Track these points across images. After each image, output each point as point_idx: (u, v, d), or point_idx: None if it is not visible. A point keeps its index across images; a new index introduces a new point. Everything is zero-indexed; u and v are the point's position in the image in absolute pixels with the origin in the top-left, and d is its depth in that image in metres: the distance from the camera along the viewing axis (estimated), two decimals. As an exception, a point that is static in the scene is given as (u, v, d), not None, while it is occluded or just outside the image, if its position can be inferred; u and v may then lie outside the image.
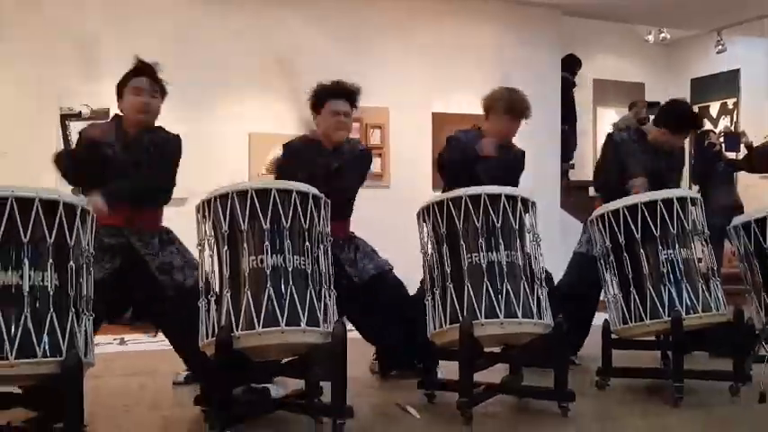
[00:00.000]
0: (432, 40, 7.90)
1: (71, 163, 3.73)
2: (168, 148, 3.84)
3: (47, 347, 2.78)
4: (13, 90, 6.52)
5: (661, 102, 9.68)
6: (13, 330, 2.73)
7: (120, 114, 3.82)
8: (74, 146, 3.89)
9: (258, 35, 7.19)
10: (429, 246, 3.69)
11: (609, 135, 4.90)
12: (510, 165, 4.58)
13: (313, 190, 3.36)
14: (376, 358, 4.58)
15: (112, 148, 3.70)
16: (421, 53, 7.84)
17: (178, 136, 3.90)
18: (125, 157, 3.70)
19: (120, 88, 3.78)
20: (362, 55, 7.52)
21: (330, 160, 4.18)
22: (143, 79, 3.75)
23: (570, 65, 9.26)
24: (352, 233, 4.30)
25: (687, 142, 8.36)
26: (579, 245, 4.81)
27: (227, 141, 7.14)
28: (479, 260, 3.51)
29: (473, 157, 4.36)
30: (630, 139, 4.72)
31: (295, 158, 4.18)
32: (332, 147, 4.24)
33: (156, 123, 3.88)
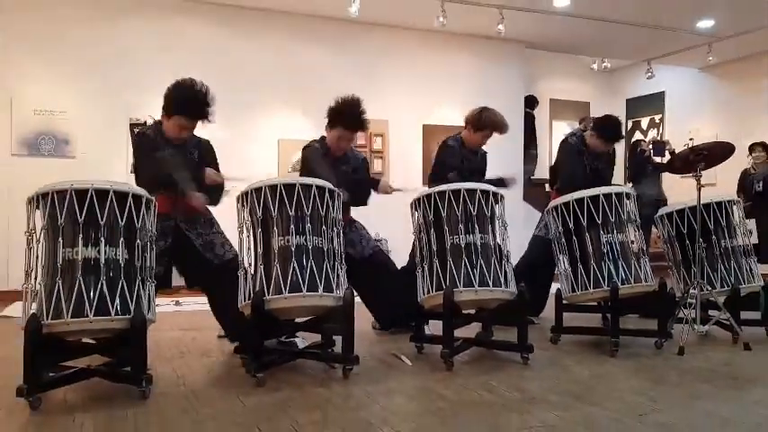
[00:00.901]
0: (423, 66, 7.86)
1: (146, 180, 3.48)
2: (207, 147, 3.77)
3: (118, 307, 2.79)
4: (92, 104, 6.49)
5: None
6: (92, 294, 2.74)
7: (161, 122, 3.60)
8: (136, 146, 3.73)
9: (285, 59, 7.15)
10: (419, 229, 3.68)
11: (564, 140, 4.88)
12: (479, 163, 4.61)
13: (329, 185, 3.35)
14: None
15: (165, 148, 3.52)
16: (414, 77, 7.81)
17: (208, 140, 3.82)
18: (173, 158, 3.52)
19: (169, 109, 3.51)
20: (368, 77, 7.47)
21: (336, 165, 4.06)
22: (188, 120, 3.51)
23: (531, 103, 9.25)
24: (351, 218, 4.27)
25: (623, 148, 8.37)
26: (537, 229, 4.80)
27: (261, 145, 7.11)
28: (459, 241, 3.51)
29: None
30: (577, 144, 4.73)
31: (318, 156, 4.03)
32: (336, 156, 4.14)
33: (200, 129, 3.76)
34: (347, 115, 3.97)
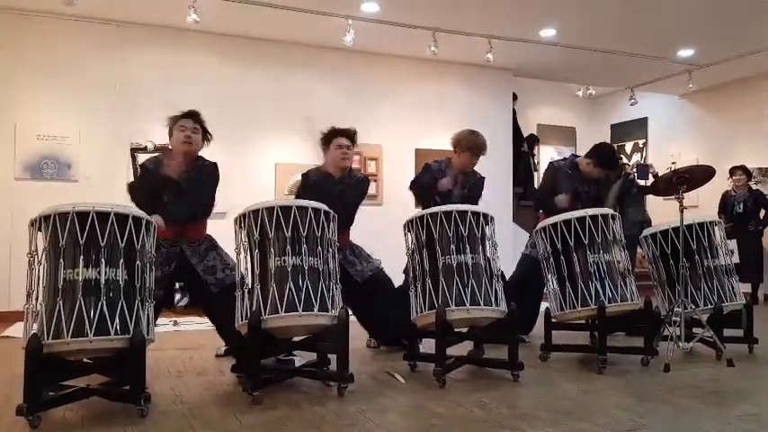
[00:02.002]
0: (415, 93, 7.92)
1: (139, 195, 3.67)
2: (207, 173, 3.78)
3: (118, 327, 2.77)
4: (94, 129, 6.48)
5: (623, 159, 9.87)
6: (92, 314, 2.73)
7: (170, 148, 3.76)
8: (137, 175, 3.80)
9: (282, 86, 7.18)
10: (412, 250, 3.68)
11: (550, 163, 4.88)
12: (474, 185, 4.57)
13: (324, 207, 3.35)
14: (370, 336, 4.57)
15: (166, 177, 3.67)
16: (407, 104, 7.85)
17: (215, 163, 3.84)
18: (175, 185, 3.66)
19: (171, 128, 3.76)
20: (363, 103, 7.53)
21: (337, 186, 4.17)
22: (188, 120, 3.73)
23: (531, 142, 9.31)
24: (351, 242, 4.28)
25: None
26: (526, 248, 4.80)
27: (258, 169, 7.12)
28: (451, 261, 3.50)
29: (433, 185, 4.39)
30: (566, 168, 4.73)
31: (311, 185, 4.17)
32: (338, 176, 4.23)
33: (203, 153, 3.84)
34: (339, 129, 4.20)
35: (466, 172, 4.53)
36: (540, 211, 4.85)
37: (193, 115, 3.77)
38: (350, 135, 4.25)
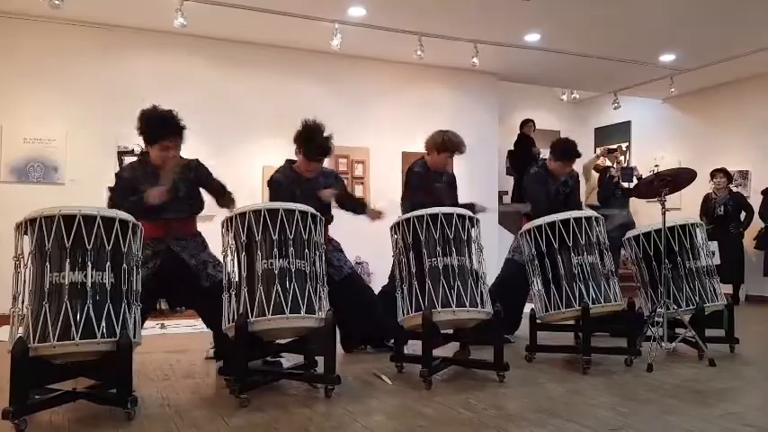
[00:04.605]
0: (402, 97, 7.93)
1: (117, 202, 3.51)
2: (190, 171, 3.71)
3: (104, 330, 2.75)
4: (81, 132, 6.43)
5: (622, 147, 9.90)
6: (78, 317, 2.70)
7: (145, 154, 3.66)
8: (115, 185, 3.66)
9: (270, 90, 7.17)
10: (399, 252, 3.68)
11: (527, 172, 4.97)
12: (450, 183, 4.64)
13: (311, 210, 3.34)
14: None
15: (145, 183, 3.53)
16: (394, 107, 7.86)
17: (196, 159, 3.78)
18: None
19: (150, 141, 3.55)
20: (350, 107, 7.53)
21: (308, 186, 4.04)
22: (174, 138, 3.55)
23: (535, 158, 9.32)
24: (329, 237, 4.19)
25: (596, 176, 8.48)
26: (510, 253, 4.82)
27: (246, 171, 7.08)
28: (437, 263, 3.51)
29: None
30: (538, 171, 4.82)
31: (283, 184, 4.05)
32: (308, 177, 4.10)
33: (192, 157, 3.78)
34: (309, 145, 3.97)
35: (440, 171, 4.55)
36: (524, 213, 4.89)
37: (173, 131, 3.56)
38: (323, 152, 4.03)
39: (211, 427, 2.68)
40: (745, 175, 8.48)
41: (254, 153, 7.17)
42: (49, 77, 6.39)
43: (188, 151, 3.75)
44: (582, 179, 8.64)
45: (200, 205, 3.75)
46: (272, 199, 3.99)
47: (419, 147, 6.03)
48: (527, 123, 9.23)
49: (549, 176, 4.75)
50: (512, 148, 9.14)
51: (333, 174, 4.38)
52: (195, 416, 2.84)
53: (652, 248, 4.33)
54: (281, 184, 4.05)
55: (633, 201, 8.20)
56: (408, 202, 4.44)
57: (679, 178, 4.25)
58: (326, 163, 4.26)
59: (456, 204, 4.31)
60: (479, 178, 6.09)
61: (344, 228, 4.40)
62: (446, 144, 4.47)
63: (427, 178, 4.50)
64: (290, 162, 4.18)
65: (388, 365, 3.79)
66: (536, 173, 4.83)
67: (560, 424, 2.69)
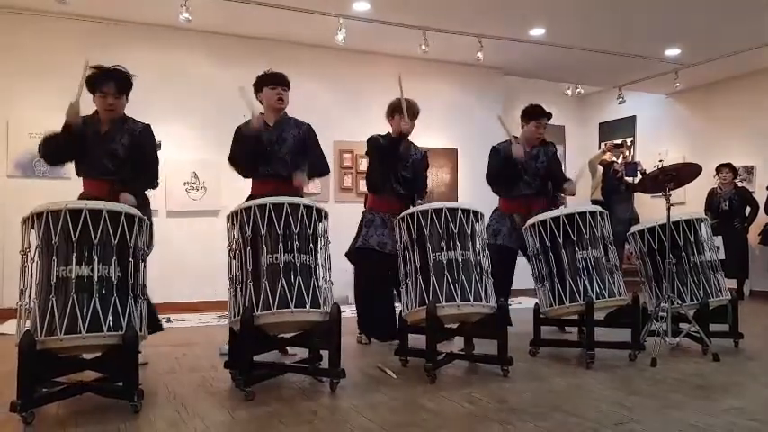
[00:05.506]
0: (407, 91, 7.84)
1: (51, 147, 3.59)
2: (138, 138, 3.69)
3: (111, 324, 2.76)
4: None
5: (627, 142, 9.83)
6: (85, 311, 2.72)
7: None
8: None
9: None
10: (404, 246, 3.68)
11: (493, 147, 4.86)
12: (418, 163, 4.58)
13: (316, 204, 3.34)
14: (360, 332, 4.58)
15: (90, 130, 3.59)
16: (397, 102, 7.85)
17: (148, 125, 3.77)
18: (92, 145, 3.57)
19: (92, 91, 3.64)
20: (353, 102, 7.53)
21: (272, 134, 3.99)
22: (110, 84, 3.62)
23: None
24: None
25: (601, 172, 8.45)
26: (489, 238, 4.64)
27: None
28: (441, 258, 3.51)
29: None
30: (503, 149, 4.75)
31: (244, 138, 4.01)
32: (273, 122, 4.04)
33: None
34: (272, 74, 4.05)
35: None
36: (499, 194, 4.85)
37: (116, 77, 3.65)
38: (282, 79, 4.05)
39: (217, 419, 2.69)
40: (750, 170, 8.45)
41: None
42: (55, 72, 6.38)
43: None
44: (588, 173, 8.66)
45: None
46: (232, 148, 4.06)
47: (423, 142, 6.08)
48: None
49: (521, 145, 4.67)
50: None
51: (305, 126, 4.20)
52: (200, 409, 2.86)
53: (656, 243, 4.33)
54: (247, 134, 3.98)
55: (638, 195, 8.19)
56: (369, 177, 4.50)
57: (684, 173, 4.24)
58: (328, 162, 4.22)
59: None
60: (483, 173, 6.01)
61: (343, 224, 4.39)
62: (392, 106, 4.51)
63: (384, 147, 4.45)
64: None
65: (392, 359, 3.80)
66: (500, 149, 4.76)
67: (564, 418, 2.69)
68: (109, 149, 3.61)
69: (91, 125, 3.64)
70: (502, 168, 4.66)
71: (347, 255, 4.40)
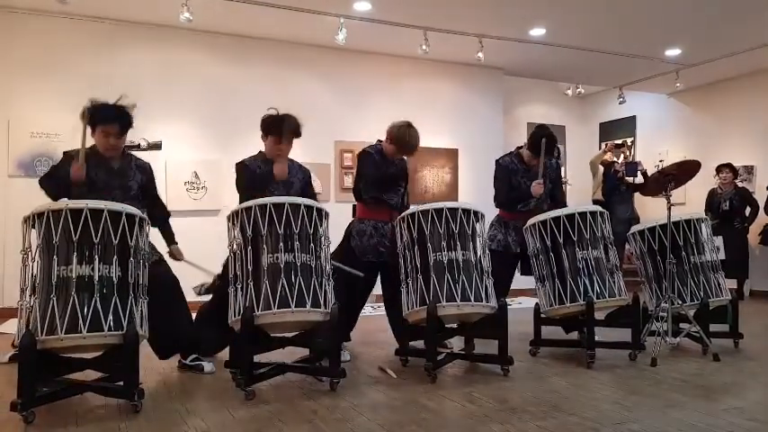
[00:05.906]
0: (406, 92, 7.90)
1: (52, 189, 3.42)
2: (146, 174, 3.67)
3: (111, 323, 2.76)
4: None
5: (627, 142, 9.81)
6: (85, 310, 2.72)
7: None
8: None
9: (274, 85, 7.12)
10: (404, 246, 3.68)
11: (497, 162, 4.65)
12: (397, 171, 4.35)
13: (317, 204, 3.34)
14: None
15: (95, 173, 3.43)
16: (400, 101, 7.83)
17: (149, 164, 3.73)
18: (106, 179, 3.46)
19: (92, 126, 3.45)
20: (354, 101, 7.53)
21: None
22: (115, 125, 3.45)
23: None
24: None
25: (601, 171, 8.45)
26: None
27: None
28: (442, 258, 3.51)
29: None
30: (511, 161, 4.57)
31: (252, 172, 4.03)
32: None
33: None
34: (278, 127, 4.01)
35: (394, 162, 4.35)
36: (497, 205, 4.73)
37: (120, 118, 3.48)
38: (291, 131, 3.99)
39: (217, 419, 2.69)
40: (750, 170, 8.44)
41: (260, 148, 7.16)
42: (56, 72, 6.40)
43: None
44: (590, 174, 8.66)
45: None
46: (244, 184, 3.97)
47: (424, 142, 6.09)
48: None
49: (521, 167, 4.55)
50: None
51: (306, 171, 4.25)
52: (201, 408, 2.86)
53: (657, 243, 4.33)
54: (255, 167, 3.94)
55: (638, 195, 8.19)
56: (357, 186, 4.30)
57: (683, 171, 4.24)
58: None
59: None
60: (484, 173, 6.05)
61: (341, 225, 4.36)
62: (395, 137, 4.27)
63: (378, 163, 4.26)
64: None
65: (392, 359, 3.80)
66: (504, 165, 4.58)
67: (564, 418, 2.69)
68: (123, 185, 3.51)
69: (96, 158, 3.46)
70: (510, 192, 4.49)
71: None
